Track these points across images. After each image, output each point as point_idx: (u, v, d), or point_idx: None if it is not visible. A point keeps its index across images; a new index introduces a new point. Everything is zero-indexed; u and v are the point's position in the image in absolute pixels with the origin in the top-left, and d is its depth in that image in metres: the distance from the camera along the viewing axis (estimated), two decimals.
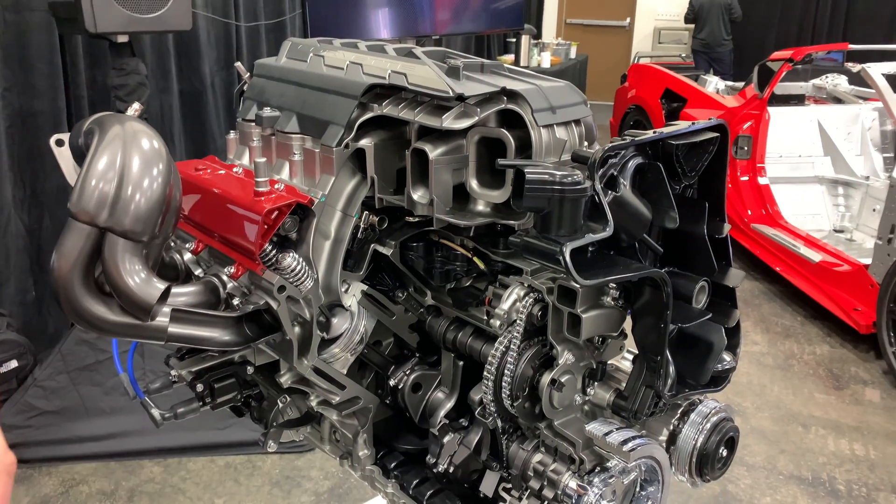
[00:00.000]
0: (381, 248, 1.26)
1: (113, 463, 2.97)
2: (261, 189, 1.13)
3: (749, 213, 4.94)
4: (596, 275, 0.99)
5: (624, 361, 1.22)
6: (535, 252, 1.00)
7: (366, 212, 1.25)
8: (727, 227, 1.18)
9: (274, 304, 1.16)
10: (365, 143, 1.19)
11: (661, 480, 1.19)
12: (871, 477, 3.06)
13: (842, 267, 4.16)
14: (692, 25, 8.95)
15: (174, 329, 1.11)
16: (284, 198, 1.12)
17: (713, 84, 6.08)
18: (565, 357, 1.14)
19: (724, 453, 1.19)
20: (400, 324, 1.38)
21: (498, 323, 1.17)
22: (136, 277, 1.03)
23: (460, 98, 1.08)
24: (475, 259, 1.26)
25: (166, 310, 1.10)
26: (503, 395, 1.15)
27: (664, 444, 1.19)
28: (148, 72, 3.18)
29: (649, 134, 1.07)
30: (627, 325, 1.15)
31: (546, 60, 7.27)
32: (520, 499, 1.21)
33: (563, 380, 1.14)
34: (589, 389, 1.20)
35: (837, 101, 5.54)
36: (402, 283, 1.37)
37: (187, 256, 1.32)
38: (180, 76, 4.18)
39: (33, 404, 2.99)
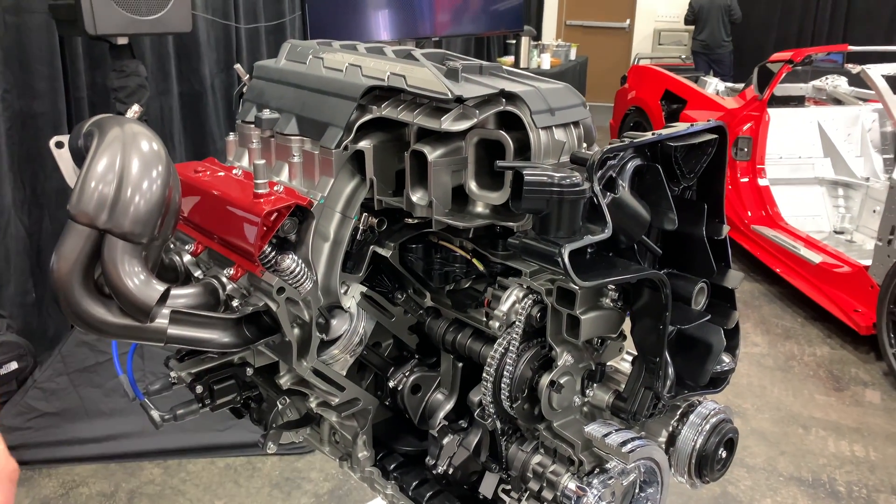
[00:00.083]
0: (380, 250, 1.26)
1: (113, 464, 2.97)
2: (260, 191, 1.13)
3: (749, 214, 4.94)
4: (595, 276, 0.99)
5: (623, 363, 1.22)
6: (533, 253, 1.00)
7: (365, 213, 1.25)
8: (726, 229, 1.18)
9: (273, 306, 1.17)
10: (364, 144, 1.19)
11: (661, 482, 1.19)
12: (871, 478, 3.06)
13: (842, 268, 4.16)
14: (692, 27, 8.94)
15: (173, 331, 1.11)
16: (284, 200, 1.12)
17: (713, 85, 6.09)
18: (564, 358, 1.14)
19: (724, 455, 1.19)
20: (399, 325, 1.38)
21: (497, 324, 1.17)
22: (136, 279, 1.03)
23: (459, 100, 1.08)
24: (474, 260, 1.26)
25: (166, 311, 1.10)
26: (502, 396, 1.15)
27: (663, 446, 1.18)
28: (148, 74, 3.18)
29: (648, 136, 1.07)
30: (626, 326, 1.15)
31: (546, 62, 7.27)
32: (519, 500, 1.21)
33: (562, 381, 1.14)
34: (588, 391, 1.20)
35: (837, 102, 5.54)
36: (402, 285, 1.37)
37: (187, 258, 1.32)
38: (180, 78, 4.18)
39: (33, 406, 2.99)
